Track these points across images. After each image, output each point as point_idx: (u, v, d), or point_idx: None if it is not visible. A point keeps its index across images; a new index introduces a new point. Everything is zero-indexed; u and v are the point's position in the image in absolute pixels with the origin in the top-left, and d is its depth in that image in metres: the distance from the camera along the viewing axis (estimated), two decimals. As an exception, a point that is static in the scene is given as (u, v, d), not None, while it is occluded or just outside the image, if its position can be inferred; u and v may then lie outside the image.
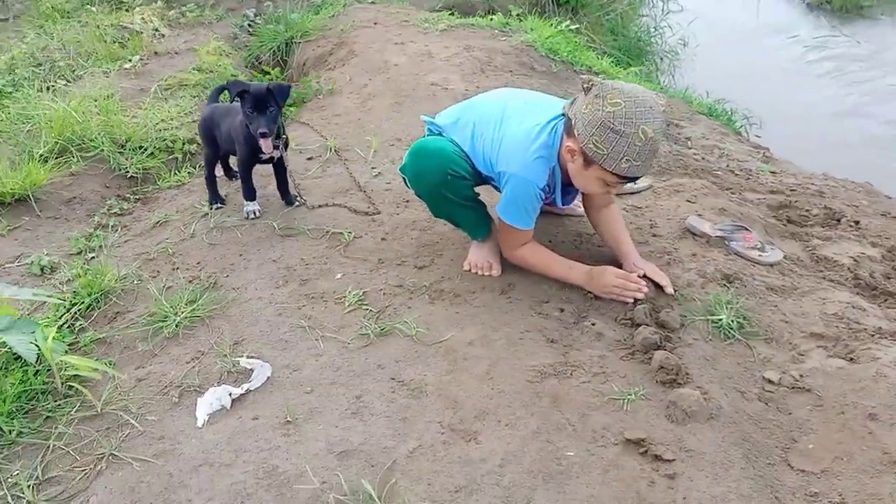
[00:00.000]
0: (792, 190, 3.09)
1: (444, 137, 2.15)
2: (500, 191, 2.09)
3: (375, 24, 3.89)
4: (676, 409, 1.70)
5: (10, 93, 3.24)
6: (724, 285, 2.11)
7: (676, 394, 1.73)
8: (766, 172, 3.35)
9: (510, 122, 2.03)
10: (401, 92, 3.19)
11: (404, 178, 2.18)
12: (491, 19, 4.06)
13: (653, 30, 6.69)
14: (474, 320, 1.97)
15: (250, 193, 2.50)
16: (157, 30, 4.34)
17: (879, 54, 6.28)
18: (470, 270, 2.18)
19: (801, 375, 1.85)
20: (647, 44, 6.48)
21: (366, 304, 2.05)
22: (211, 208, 2.56)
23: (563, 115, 1.97)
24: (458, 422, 1.68)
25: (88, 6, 4.52)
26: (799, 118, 5.27)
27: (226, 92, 2.51)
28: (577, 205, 2.42)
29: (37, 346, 1.78)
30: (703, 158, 3.24)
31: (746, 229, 2.36)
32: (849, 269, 2.41)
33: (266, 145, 2.29)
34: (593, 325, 1.95)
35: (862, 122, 5.21)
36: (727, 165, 3.35)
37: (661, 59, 6.68)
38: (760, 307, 2.07)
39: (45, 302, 2.13)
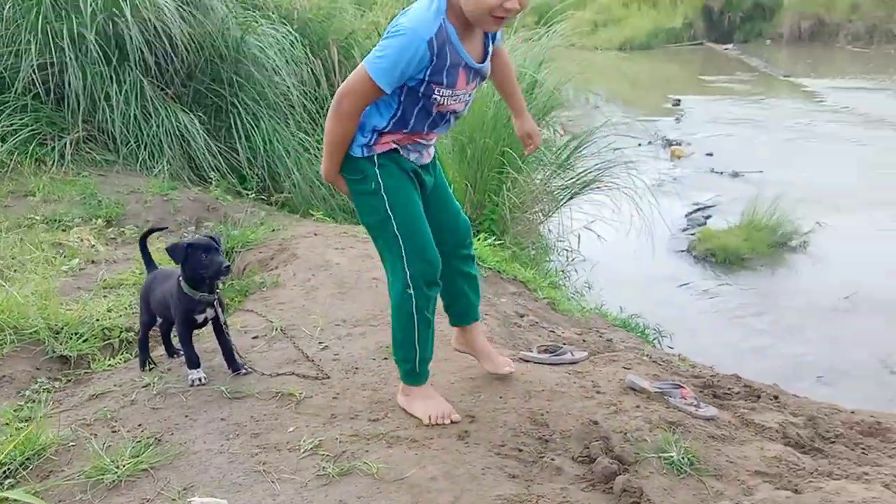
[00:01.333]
0: (712, 375, 3.30)
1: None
2: None
3: (315, 234, 4.14)
4: (645, 528, 1.70)
5: (-58, 286, 3.20)
6: (671, 430, 2.19)
7: (643, 513, 1.73)
8: (685, 365, 3.58)
9: None
10: (343, 284, 3.35)
11: (410, 296, 2.15)
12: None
13: (561, 272, 7.25)
14: (434, 460, 1.95)
15: (193, 361, 2.49)
16: (93, 246, 4.44)
17: (765, 300, 6.89)
18: (430, 423, 2.18)
19: (754, 504, 1.90)
20: (556, 285, 6.99)
21: (322, 451, 2.01)
22: (142, 370, 2.55)
23: None
24: (428, 546, 1.61)
25: (26, 226, 4.61)
26: (704, 348, 5.62)
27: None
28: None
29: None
30: (630, 349, 3.46)
31: (682, 387, 2.50)
32: (776, 430, 2.55)
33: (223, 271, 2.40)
34: (552, 461, 1.97)
35: (757, 361, 5.55)
36: (649, 357, 3.56)
37: (570, 298, 7.18)
38: (706, 450, 2.14)
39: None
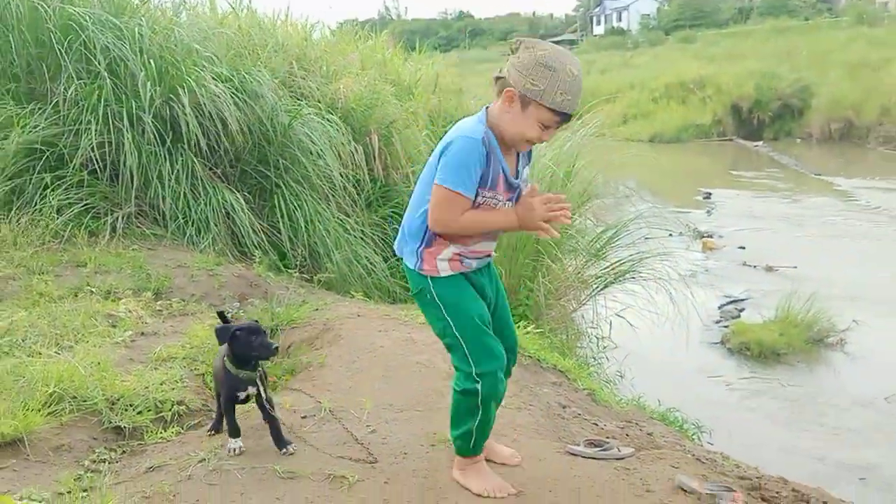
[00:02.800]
0: (758, 477, 3.25)
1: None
2: None
3: (359, 315, 4.22)
4: None
5: (7, 352, 3.30)
6: (724, 531, 2.18)
7: None
8: (729, 464, 3.53)
9: None
10: (388, 367, 3.40)
11: (476, 390, 2.22)
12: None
13: (592, 359, 7.20)
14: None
15: (234, 430, 2.62)
16: (141, 318, 4.55)
17: (803, 397, 6.75)
18: (486, 496, 2.25)
19: None
20: (587, 371, 6.92)
21: (378, 536, 2.02)
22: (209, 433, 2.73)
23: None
24: None
25: (78, 295, 4.74)
26: (743, 445, 5.50)
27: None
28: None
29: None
30: (672, 444, 3.43)
31: (734, 490, 2.48)
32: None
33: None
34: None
35: (797, 460, 5.42)
36: (693, 455, 3.52)
37: (602, 388, 7.09)
38: (760, 553, 2.12)
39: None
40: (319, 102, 7.18)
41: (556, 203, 2.16)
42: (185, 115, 5.92)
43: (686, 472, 2.62)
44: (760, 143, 21.81)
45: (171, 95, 6.07)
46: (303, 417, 2.91)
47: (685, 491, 2.46)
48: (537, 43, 2.13)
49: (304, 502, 2.21)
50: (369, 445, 2.64)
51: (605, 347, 7.46)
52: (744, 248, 10.98)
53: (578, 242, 7.15)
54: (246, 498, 2.24)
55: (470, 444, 2.32)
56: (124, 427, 2.91)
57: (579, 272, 7.11)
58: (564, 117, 2.12)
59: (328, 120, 6.89)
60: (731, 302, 9.12)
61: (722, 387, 7.13)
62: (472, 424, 2.27)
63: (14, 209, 5.52)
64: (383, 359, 3.52)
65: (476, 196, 2.16)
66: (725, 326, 8.39)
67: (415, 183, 2.40)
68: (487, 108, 2.21)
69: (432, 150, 2.25)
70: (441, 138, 2.21)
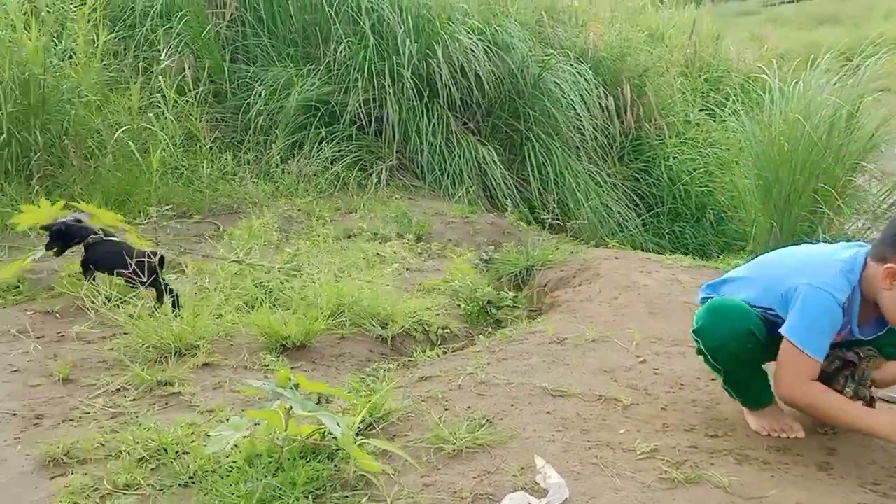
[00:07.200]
0: None
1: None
2: None
3: (616, 258, 4.06)
4: None
5: (294, 275, 3.62)
6: None
7: None
8: None
9: (807, 253, 1.98)
10: (653, 305, 3.21)
11: (697, 342, 2.07)
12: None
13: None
14: (796, 486, 1.73)
15: None
16: (404, 258, 4.78)
17: None
18: (767, 435, 1.99)
19: None
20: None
21: (660, 456, 1.88)
22: None
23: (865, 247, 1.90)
24: (805, 570, 1.41)
25: (352, 239, 5.09)
26: None
27: None
28: None
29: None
30: None
31: None
32: None
33: None
34: (949, 505, 1.65)
35: None
36: None
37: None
38: None
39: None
40: (569, 52, 7.03)
41: None
42: (440, 69, 6.09)
43: None
44: None
45: (428, 51, 6.28)
46: (565, 340, 2.83)
47: None
48: None
49: (575, 417, 2.13)
50: (639, 375, 2.49)
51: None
52: None
53: (863, 198, 6.31)
54: (516, 409, 2.20)
55: (735, 398, 2.10)
56: (396, 344, 3.04)
57: (863, 233, 6.28)
58: None
59: (578, 70, 6.74)
60: None
61: None
62: (721, 380, 2.06)
63: (295, 161, 6.07)
64: (647, 296, 3.33)
65: None
66: None
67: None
68: (865, 258, 1.88)
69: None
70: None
